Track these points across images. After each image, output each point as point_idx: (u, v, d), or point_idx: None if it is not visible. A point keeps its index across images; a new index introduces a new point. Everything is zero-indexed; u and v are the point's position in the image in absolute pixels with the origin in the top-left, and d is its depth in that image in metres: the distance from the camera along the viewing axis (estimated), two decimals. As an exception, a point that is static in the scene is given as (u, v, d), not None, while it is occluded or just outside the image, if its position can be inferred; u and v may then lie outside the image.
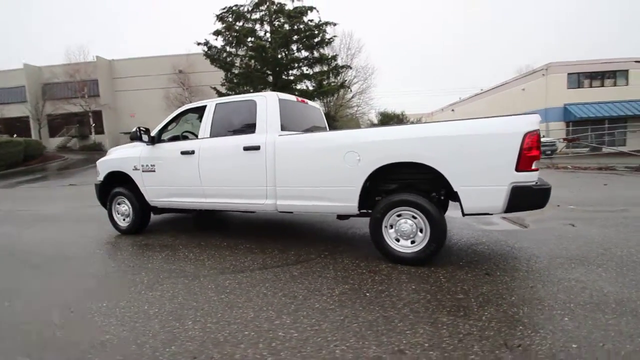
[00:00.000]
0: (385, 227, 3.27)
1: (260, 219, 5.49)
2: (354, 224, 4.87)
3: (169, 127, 4.63)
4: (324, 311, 2.39)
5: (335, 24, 19.99)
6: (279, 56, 18.45)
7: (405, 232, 3.19)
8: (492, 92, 32.10)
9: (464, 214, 3.06)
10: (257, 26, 19.93)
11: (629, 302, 2.35)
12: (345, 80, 22.87)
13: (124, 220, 4.89)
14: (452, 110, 41.33)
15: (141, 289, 2.92)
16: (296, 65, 19.68)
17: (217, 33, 18.38)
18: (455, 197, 3.16)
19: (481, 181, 2.89)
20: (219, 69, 19.58)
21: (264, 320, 2.29)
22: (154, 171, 4.45)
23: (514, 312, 2.28)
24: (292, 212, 3.94)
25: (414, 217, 3.17)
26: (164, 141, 4.53)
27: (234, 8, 19.05)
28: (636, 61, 21.26)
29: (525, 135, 2.74)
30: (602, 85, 23.48)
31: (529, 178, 2.79)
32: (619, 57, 22.75)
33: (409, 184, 3.38)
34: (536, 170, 2.81)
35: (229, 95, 19.28)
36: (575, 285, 2.65)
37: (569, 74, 23.34)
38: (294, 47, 19.49)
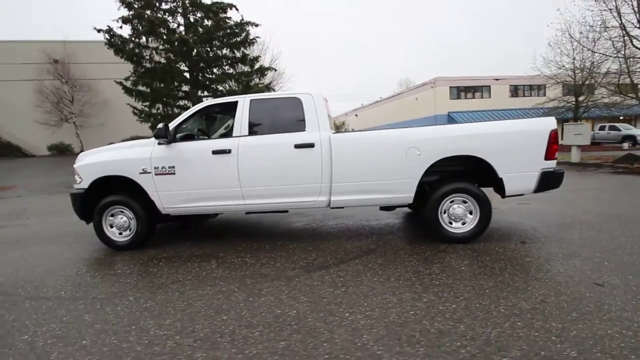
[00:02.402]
0: (441, 212, 3.73)
1: (249, 221, 5.30)
2: (367, 216, 5.21)
3: (184, 125, 4.13)
4: (427, 288, 2.69)
5: (257, 25, 19.75)
6: (203, 54, 17.21)
7: (458, 215, 3.71)
8: (390, 100, 36.45)
9: (504, 197, 3.75)
10: (169, 18, 18.17)
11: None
12: (271, 82, 22.71)
13: (120, 234, 4.11)
14: (356, 115, 45.13)
15: (254, 295, 2.67)
16: (219, 63, 18.66)
17: (125, 20, 15.96)
18: (489, 184, 3.86)
19: (520, 168, 3.62)
20: (127, 61, 17.04)
21: (405, 301, 2.47)
22: (172, 174, 3.90)
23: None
24: (342, 207, 4.04)
25: (464, 202, 3.72)
26: (179, 140, 4.01)
27: (141, -7, 16.90)
28: (495, 79, 27.30)
29: (552, 131, 3.57)
30: (474, 97, 29.35)
31: (552, 165, 3.64)
32: (483, 75, 28.87)
33: (449, 174, 3.92)
34: (556, 159, 3.68)
35: (138, 91, 17.11)
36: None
37: (451, 87, 28.42)
38: (216, 44, 18.47)
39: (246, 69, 19.82)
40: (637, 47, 13.33)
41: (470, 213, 3.73)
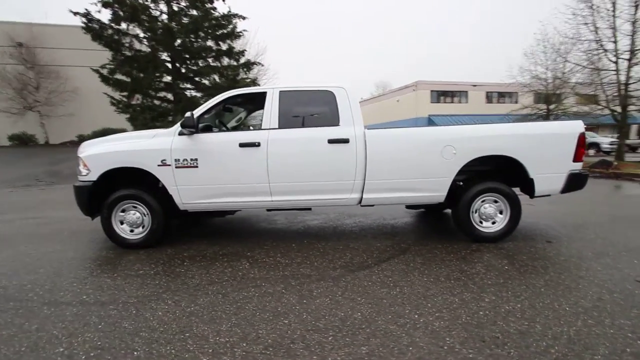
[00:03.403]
0: (472, 211, 3.72)
1: (260, 218, 5.10)
2: (382, 214, 5.15)
3: (206, 116, 3.85)
4: (483, 287, 2.67)
5: (244, 18, 19.25)
6: (188, 44, 16.48)
7: (489, 214, 3.72)
8: (372, 101, 36.89)
9: (532, 197, 3.80)
10: (152, 5, 17.28)
11: None
12: (257, 78, 22.18)
13: (131, 231, 3.77)
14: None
15: (306, 296, 2.50)
16: (204, 55, 17.97)
17: (105, 4, 14.92)
18: (514, 184, 3.90)
19: (550, 169, 3.68)
20: (106, 48, 15.98)
21: (468, 301, 2.41)
22: (195, 167, 3.62)
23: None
24: (372, 205, 3.94)
25: (495, 202, 3.74)
26: (203, 131, 3.74)
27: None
28: (473, 85, 28.34)
29: (580, 134, 3.66)
30: (452, 102, 30.33)
31: (578, 167, 3.73)
32: (461, 81, 29.90)
33: (476, 174, 3.93)
34: (582, 161, 3.77)
35: (116, 80, 16.12)
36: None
37: (431, 90, 29.19)
38: (201, 35, 17.77)
39: (232, 62, 19.28)
40: (610, 60, 14.27)
41: (501, 212, 3.75)
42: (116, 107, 16.44)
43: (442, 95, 30.08)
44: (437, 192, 3.71)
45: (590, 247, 3.56)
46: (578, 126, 3.71)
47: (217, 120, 4.30)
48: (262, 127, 3.71)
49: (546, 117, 25.51)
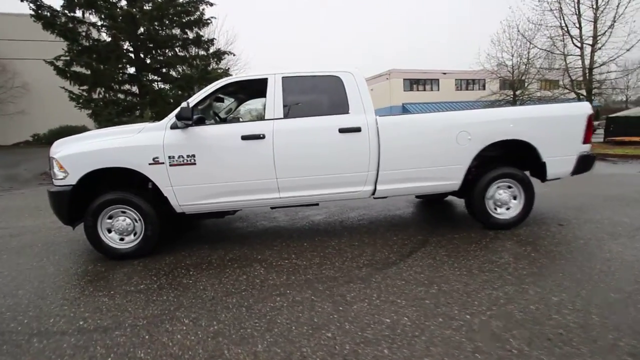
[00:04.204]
0: (487, 198, 3.63)
1: (258, 217, 4.80)
2: (386, 205, 4.99)
3: (200, 107, 3.45)
4: (521, 279, 2.57)
5: (211, 4, 18.27)
6: (152, 32, 15.35)
7: (504, 200, 3.65)
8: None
9: (544, 181, 3.76)
10: (109, -10, 15.90)
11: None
12: (228, 68, 21.21)
13: (121, 239, 3.35)
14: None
15: (340, 302, 2.26)
16: (170, 44, 16.87)
17: (56, -12, 13.54)
18: (524, 168, 3.85)
19: (561, 152, 3.64)
20: (59, 37, 14.51)
21: (513, 295, 2.29)
22: (192, 164, 3.24)
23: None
24: (385, 197, 3.74)
25: (509, 187, 3.66)
26: (197, 123, 3.34)
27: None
28: (443, 73, 28.89)
29: (589, 115, 3.64)
30: (425, 90, 30.82)
31: (587, 149, 3.73)
32: (432, 69, 30.39)
33: (487, 160, 3.83)
34: (591, 143, 3.77)
35: (74, 73, 14.78)
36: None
37: (404, 79, 29.45)
38: (166, 23, 16.64)
39: (201, 52, 18.31)
40: (576, 45, 14.93)
41: (514, 198, 3.69)
42: (76, 103, 15.09)
43: (414, 83, 30.48)
44: (452, 180, 3.58)
45: (601, 229, 3.58)
46: (586, 107, 3.69)
47: (211, 112, 3.90)
48: (266, 117, 3.38)
49: (513, 102, 26.63)
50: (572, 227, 3.70)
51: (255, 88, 3.60)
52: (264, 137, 3.29)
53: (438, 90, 31.02)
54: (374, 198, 3.63)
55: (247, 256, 3.28)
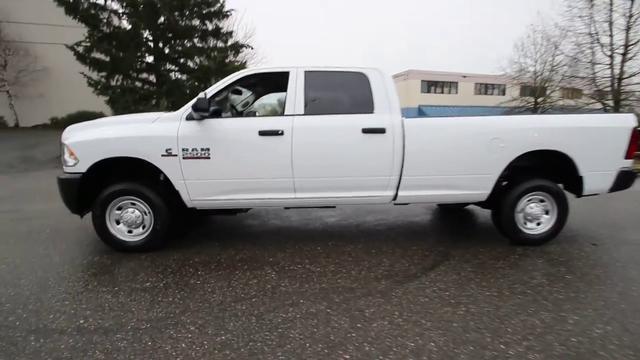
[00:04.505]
0: (516, 211, 3.38)
1: (269, 215, 4.63)
2: (402, 210, 4.77)
3: (217, 98, 3.30)
4: (557, 304, 2.34)
5: (232, -4, 18.18)
6: (172, 21, 15.34)
7: (535, 215, 3.39)
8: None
9: (579, 196, 3.49)
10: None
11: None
12: (246, 61, 21.14)
13: (129, 232, 3.23)
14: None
15: (358, 318, 2.08)
16: (189, 35, 16.84)
17: (79, -27, 13.61)
18: (558, 181, 3.57)
19: (601, 166, 3.36)
20: (81, 23, 14.64)
21: (550, 322, 2.06)
22: (207, 157, 3.09)
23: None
24: (407, 204, 3.54)
25: (542, 201, 3.41)
26: (213, 115, 3.18)
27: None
28: (463, 76, 28.27)
29: (633, 128, 3.35)
30: (442, 92, 30.21)
31: (628, 164, 3.44)
32: (452, 72, 29.75)
33: (517, 171, 3.57)
34: (633, 158, 3.48)
35: (94, 59, 14.88)
36: None
37: (422, 80, 28.91)
38: (186, 13, 16.61)
39: (219, 44, 18.25)
40: (605, 54, 14.33)
41: (546, 213, 3.43)
42: (94, 89, 15.22)
43: (432, 85, 29.91)
44: (480, 190, 3.34)
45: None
46: (631, 120, 3.39)
47: (228, 104, 3.74)
48: (285, 113, 3.20)
49: (534, 109, 25.89)
50: (607, 247, 3.42)
51: (276, 81, 3.43)
52: (282, 133, 3.12)
53: (456, 93, 30.36)
54: (395, 204, 3.43)
55: (258, 258, 3.12)
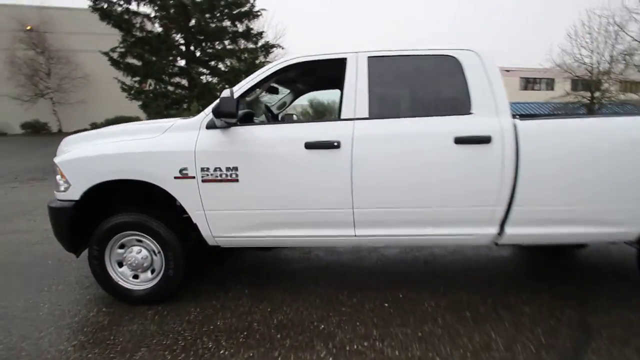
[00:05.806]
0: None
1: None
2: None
3: (248, 98, 2.45)
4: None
5: (263, -4, 17.67)
6: (202, 23, 15.03)
7: None
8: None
9: None
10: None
11: None
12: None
13: (135, 277, 2.44)
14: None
15: None
16: (220, 37, 16.51)
17: (113, -20, 13.61)
18: None
19: None
20: (115, 28, 14.69)
21: None
22: (235, 180, 2.23)
23: None
24: (515, 245, 2.50)
25: None
26: (242, 122, 2.33)
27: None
28: (506, 70, 26.02)
29: None
30: (484, 89, 27.97)
31: None
32: (495, 66, 27.44)
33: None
34: None
35: (127, 64, 14.84)
36: None
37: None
38: (217, 15, 16.27)
39: (249, 45, 17.78)
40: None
41: None
42: (128, 94, 15.23)
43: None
44: (632, 225, 2.23)
45: None
46: None
47: (262, 106, 2.89)
48: (342, 117, 2.28)
49: (590, 105, 23.26)
50: None
51: (326, 74, 2.54)
52: (338, 145, 2.19)
53: (500, 89, 27.99)
54: (498, 245, 2.39)
55: (304, 321, 2.21)
